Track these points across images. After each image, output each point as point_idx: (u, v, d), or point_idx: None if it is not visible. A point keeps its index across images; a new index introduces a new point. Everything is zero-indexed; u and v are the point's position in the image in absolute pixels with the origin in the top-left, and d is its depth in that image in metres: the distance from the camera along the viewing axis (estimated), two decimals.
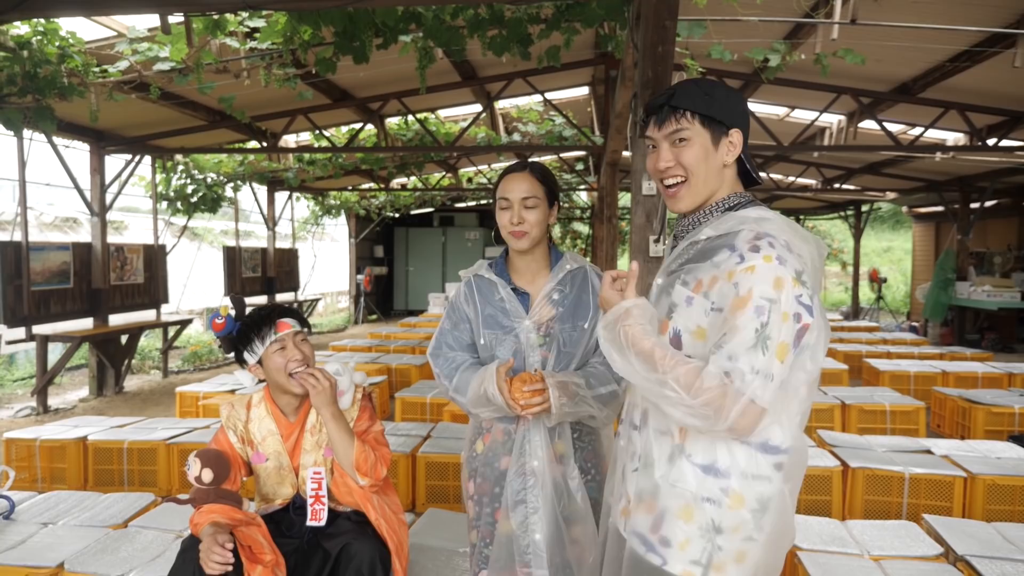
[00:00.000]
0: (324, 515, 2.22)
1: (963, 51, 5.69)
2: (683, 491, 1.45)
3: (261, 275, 12.01)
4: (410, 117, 8.89)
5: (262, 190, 12.19)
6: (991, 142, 7.60)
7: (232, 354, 2.32)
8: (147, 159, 8.89)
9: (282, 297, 12.92)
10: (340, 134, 9.56)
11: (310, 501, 2.23)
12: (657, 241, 2.96)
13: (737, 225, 1.46)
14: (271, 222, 12.37)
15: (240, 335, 2.26)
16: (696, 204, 1.56)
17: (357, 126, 8.90)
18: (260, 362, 2.25)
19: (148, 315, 9.15)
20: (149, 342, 10.61)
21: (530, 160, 2.12)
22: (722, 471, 1.43)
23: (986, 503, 3.88)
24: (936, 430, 6.18)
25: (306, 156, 9.95)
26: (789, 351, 1.36)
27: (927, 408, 6.07)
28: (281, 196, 12.83)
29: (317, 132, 8.62)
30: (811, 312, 1.38)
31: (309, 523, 2.22)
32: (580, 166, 12.94)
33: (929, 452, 4.32)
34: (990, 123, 7.65)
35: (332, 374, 2.23)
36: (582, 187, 14.63)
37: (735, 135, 1.54)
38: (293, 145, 9.64)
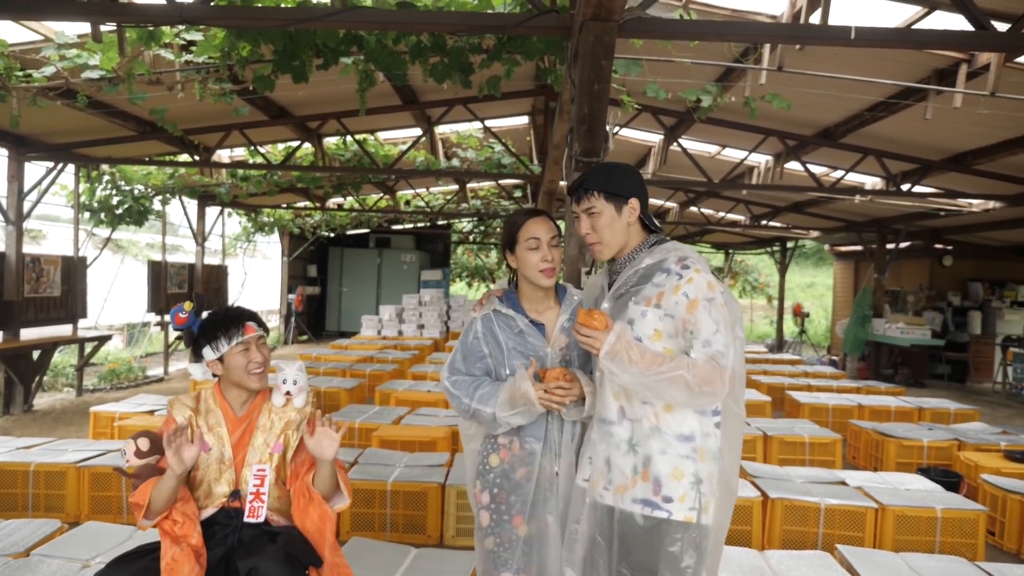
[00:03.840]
0: (262, 513, 2.26)
1: (880, 102, 6.02)
2: (671, 457, 1.95)
3: (188, 292, 11.61)
4: (349, 138, 8.83)
5: (192, 204, 11.85)
6: (905, 187, 8.03)
7: (191, 347, 2.42)
8: (71, 167, 8.55)
9: None
10: (276, 151, 9.41)
11: (250, 498, 2.27)
12: (588, 272, 3.04)
13: (663, 254, 2.03)
14: (200, 237, 12.02)
15: (206, 331, 2.38)
16: (613, 254, 2.12)
17: (294, 144, 8.79)
18: (221, 359, 2.36)
19: (64, 330, 8.74)
20: (64, 358, 10.11)
21: (540, 208, 2.39)
22: (688, 435, 1.97)
23: (895, 533, 4.05)
24: (852, 461, 6.43)
25: (240, 172, 9.75)
26: (737, 324, 1.96)
27: (844, 440, 6.32)
28: (212, 211, 12.49)
29: (252, 148, 8.47)
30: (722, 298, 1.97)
31: (246, 519, 2.25)
32: (518, 193, 13.04)
33: (844, 484, 4.51)
34: (904, 169, 8.07)
35: (295, 371, 2.38)
36: None
37: (633, 202, 2.08)
38: (227, 160, 9.44)
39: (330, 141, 9.30)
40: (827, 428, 6.90)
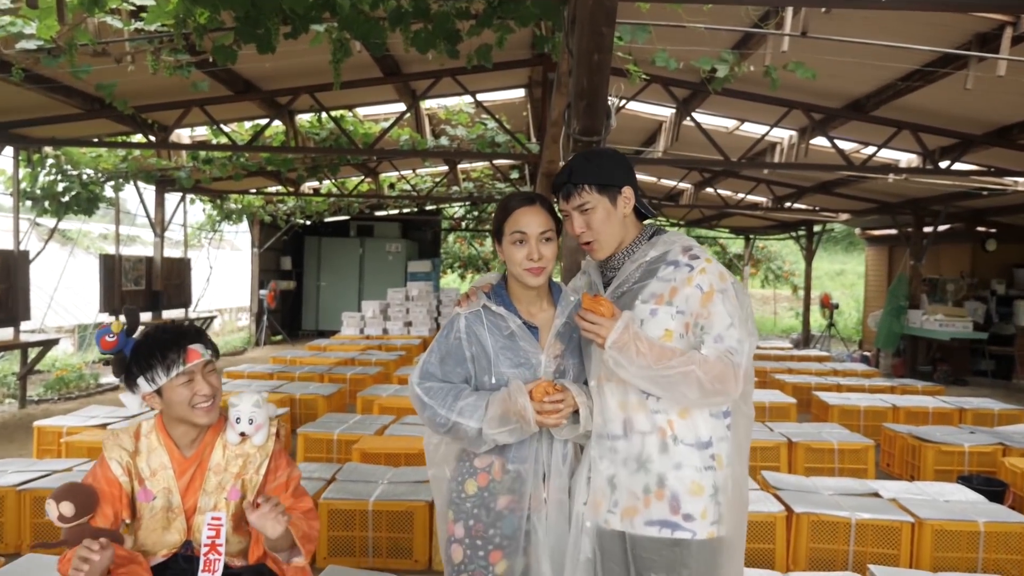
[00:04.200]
0: (220, 567, 2.12)
1: (915, 70, 5.98)
2: (688, 470, 1.96)
3: (145, 288, 11.57)
4: (324, 114, 8.77)
5: (149, 190, 11.80)
6: (943, 165, 8.00)
7: (122, 377, 2.23)
8: (8, 150, 8.49)
9: (171, 314, 12.48)
10: (243, 130, 9.36)
11: (204, 549, 2.13)
12: None
13: (666, 246, 2.07)
14: (159, 227, 11.97)
15: (139, 359, 2.18)
16: (611, 252, 2.13)
17: (262, 122, 8.72)
18: (159, 391, 2.18)
19: (4, 334, 8.69)
20: (5, 365, 10.06)
21: (535, 193, 2.27)
22: (705, 442, 1.99)
23: (934, 550, 4.03)
24: (886, 469, 6.42)
25: (202, 154, 9.69)
26: (749, 318, 2.00)
27: (877, 446, 6.31)
28: (172, 198, 12.44)
29: (215, 127, 8.41)
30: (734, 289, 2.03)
31: (201, 574, 2.12)
32: (515, 174, 13.01)
33: (877, 495, 4.48)
34: (943, 144, 8.04)
35: (251, 407, 2.26)
36: None
37: (627, 191, 2.09)
38: (187, 141, 9.37)
39: (303, 118, 9.24)
40: (858, 432, 6.87)
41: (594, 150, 2.21)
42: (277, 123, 8.88)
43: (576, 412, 2.06)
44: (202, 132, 9.47)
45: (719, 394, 1.92)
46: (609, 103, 3.05)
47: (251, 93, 7.74)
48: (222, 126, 8.51)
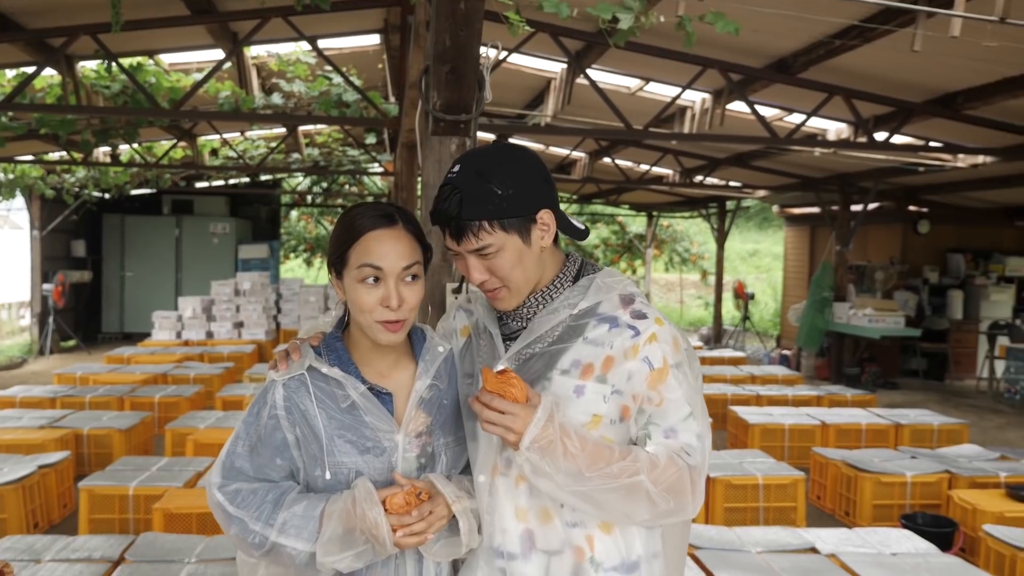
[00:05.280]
0: None
1: (852, 26, 5.95)
2: None
3: None
4: (115, 64, 8.05)
5: None
6: (879, 137, 8.12)
7: None
8: None
9: None
10: (2, 80, 8.50)
11: None
12: (457, 291, 2.64)
13: (599, 294, 1.79)
14: None
15: None
16: (524, 297, 1.82)
17: (29, 70, 7.91)
18: None
19: None
20: None
21: (395, 206, 1.91)
22: (632, 563, 1.77)
23: None
24: (816, 503, 6.51)
25: None
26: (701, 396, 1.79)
27: (806, 472, 6.34)
28: None
29: None
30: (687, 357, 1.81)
31: None
32: (371, 139, 12.59)
33: (814, 550, 4.41)
34: (878, 113, 8.20)
35: None
36: (374, 168, 14.25)
37: (545, 216, 1.78)
38: None
39: (88, 66, 8.48)
40: (784, 458, 6.96)
41: (488, 154, 1.77)
42: (50, 72, 8.10)
43: (454, 521, 1.78)
44: None
45: (672, 514, 1.71)
46: (482, 67, 2.67)
47: (10, 32, 6.98)
48: None
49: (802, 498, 5.80)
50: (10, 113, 8.60)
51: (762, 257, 30.29)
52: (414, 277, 1.81)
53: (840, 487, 6.18)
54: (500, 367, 1.75)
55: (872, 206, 12.48)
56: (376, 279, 1.77)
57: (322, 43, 8.22)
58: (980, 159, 8.99)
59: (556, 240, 1.86)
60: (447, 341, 1.98)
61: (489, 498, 1.80)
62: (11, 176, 12.97)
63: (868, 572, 4.07)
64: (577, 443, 1.63)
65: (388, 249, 1.78)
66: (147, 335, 14.56)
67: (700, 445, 1.72)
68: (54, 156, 12.58)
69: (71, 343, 15.24)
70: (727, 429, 8.22)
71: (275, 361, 1.90)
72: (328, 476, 1.81)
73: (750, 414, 7.74)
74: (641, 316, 1.76)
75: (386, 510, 1.71)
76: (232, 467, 1.84)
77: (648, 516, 1.69)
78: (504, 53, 7.51)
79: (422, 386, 1.87)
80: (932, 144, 8.78)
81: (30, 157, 12.42)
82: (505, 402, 1.61)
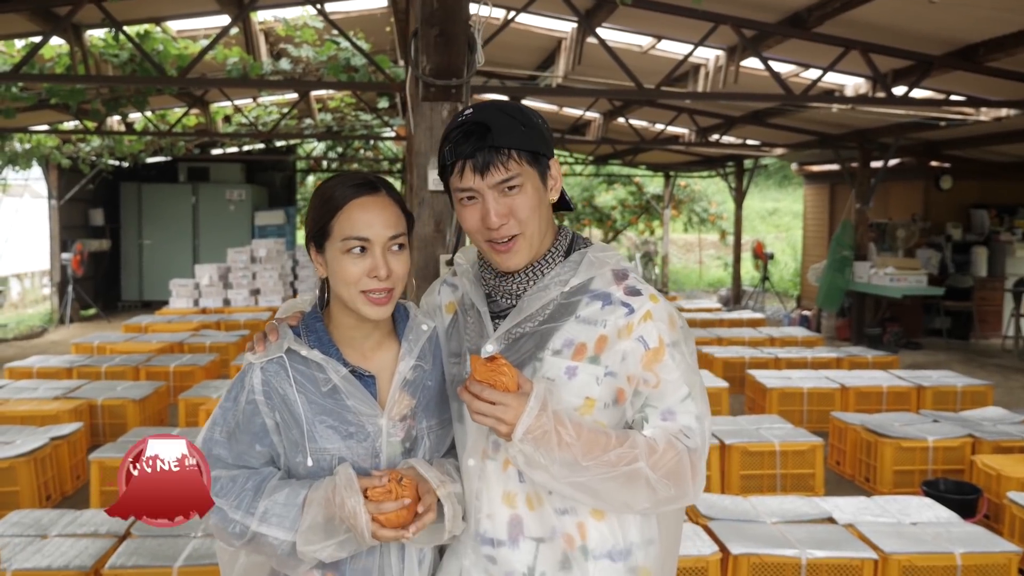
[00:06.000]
0: None
1: None
2: None
3: None
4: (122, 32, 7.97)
5: None
6: (898, 91, 7.92)
7: None
8: None
9: None
10: (12, 50, 8.43)
11: None
12: (451, 263, 2.53)
13: (591, 269, 1.70)
14: None
15: None
16: (530, 259, 1.72)
17: (36, 40, 7.83)
18: None
19: None
20: None
21: (375, 176, 1.85)
22: (624, 550, 1.70)
23: None
24: (836, 468, 6.42)
25: None
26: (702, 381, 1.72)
27: (824, 437, 6.24)
28: None
29: None
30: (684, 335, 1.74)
31: None
32: (383, 103, 12.48)
33: (831, 520, 4.33)
34: (896, 67, 8.00)
35: None
36: (387, 133, 14.12)
37: (554, 166, 1.74)
38: None
39: (95, 35, 8.38)
40: (802, 422, 6.88)
41: (499, 102, 1.77)
42: (58, 41, 8.01)
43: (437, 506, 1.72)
44: None
45: (672, 500, 1.63)
46: (473, 28, 2.53)
47: (14, 2, 6.86)
48: None
49: (820, 464, 5.72)
50: (20, 84, 8.56)
51: (782, 216, 29.94)
52: (400, 247, 1.76)
53: (860, 452, 6.07)
54: (489, 349, 1.68)
55: (892, 162, 12.23)
56: (363, 248, 1.71)
57: (329, 7, 8.14)
58: (1003, 112, 8.75)
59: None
60: (431, 319, 1.90)
61: (476, 482, 1.74)
62: (27, 146, 12.99)
63: (887, 543, 3.98)
64: (572, 431, 1.55)
65: (373, 217, 1.72)
66: (165, 303, 14.65)
67: (699, 427, 1.65)
68: (68, 125, 12.54)
69: (91, 312, 15.35)
70: (745, 393, 8.13)
71: (252, 343, 1.82)
72: (310, 463, 1.75)
73: (768, 378, 7.62)
74: (635, 293, 1.69)
75: (368, 499, 1.64)
76: (210, 454, 1.77)
77: (648, 504, 1.62)
78: (512, 13, 7.35)
79: (406, 367, 1.80)
80: (953, 98, 8.57)
81: (45, 127, 12.39)
82: (496, 392, 1.53)
